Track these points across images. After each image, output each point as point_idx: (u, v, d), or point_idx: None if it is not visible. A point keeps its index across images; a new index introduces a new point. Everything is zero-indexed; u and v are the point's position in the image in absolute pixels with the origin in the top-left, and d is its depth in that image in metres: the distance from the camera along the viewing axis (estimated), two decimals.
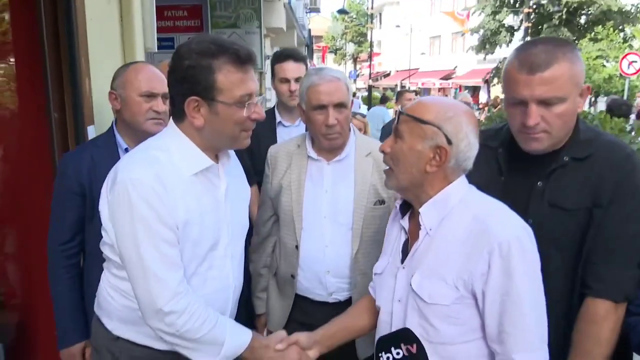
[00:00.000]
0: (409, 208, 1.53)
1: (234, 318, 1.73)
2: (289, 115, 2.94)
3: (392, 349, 1.08)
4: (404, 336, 1.11)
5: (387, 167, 1.49)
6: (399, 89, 43.01)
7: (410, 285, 1.41)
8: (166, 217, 1.43)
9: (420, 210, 1.44)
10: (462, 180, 1.46)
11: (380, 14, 50.16)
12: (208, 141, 1.55)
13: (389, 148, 1.45)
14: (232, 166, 1.72)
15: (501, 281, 1.30)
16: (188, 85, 1.45)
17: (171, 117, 1.58)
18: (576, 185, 1.57)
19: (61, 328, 2.04)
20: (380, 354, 1.17)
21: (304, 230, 2.08)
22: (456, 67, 36.23)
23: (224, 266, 1.65)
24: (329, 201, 2.08)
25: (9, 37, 2.44)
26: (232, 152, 1.74)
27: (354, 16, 51.36)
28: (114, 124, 2.20)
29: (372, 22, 31.92)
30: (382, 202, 2.07)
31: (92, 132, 2.57)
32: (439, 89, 36.26)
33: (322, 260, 2.07)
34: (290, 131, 2.85)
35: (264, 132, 2.68)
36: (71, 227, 2.03)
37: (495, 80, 27.34)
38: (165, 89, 2.01)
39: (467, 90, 30.29)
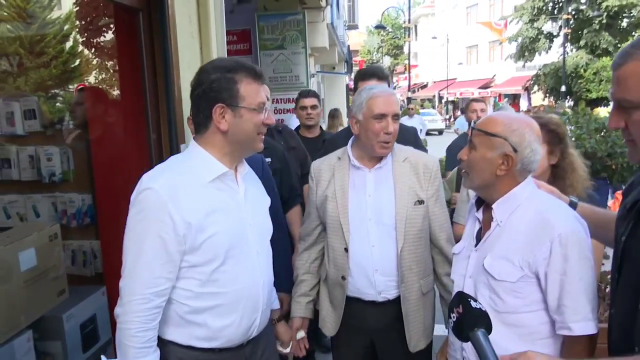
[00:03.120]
0: (482, 202, 1.83)
1: (268, 310, 1.91)
2: None
3: (451, 314, 1.36)
4: (455, 301, 1.33)
5: (464, 171, 1.79)
6: (436, 99, 43.03)
7: (483, 265, 1.70)
8: (165, 218, 1.59)
9: (493, 206, 1.73)
10: (528, 181, 1.75)
11: (415, 26, 50.32)
12: (229, 145, 1.73)
13: (465, 156, 1.75)
14: (250, 176, 1.91)
15: (560, 264, 1.57)
16: (214, 94, 1.68)
17: (192, 137, 1.80)
18: None
19: None
20: (450, 317, 1.44)
21: (351, 234, 2.22)
22: (495, 75, 35.97)
23: (252, 262, 1.80)
24: (372, 205, 2.22)
25: (117, 71, 2.88)
26: (251, 170, 1.95)
27: (390, 30, 51.68)
28: None
29: (408, 36, 32.12)
30: (421, 202, 2.23)
31: (184, 150, 2.98)
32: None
33: (370, 260, 2.20)
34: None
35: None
36: None
37: (536, 87, 27.06)
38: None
39: (506, 99, 30.05)
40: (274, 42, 8.62)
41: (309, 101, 4.27)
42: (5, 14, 3.90)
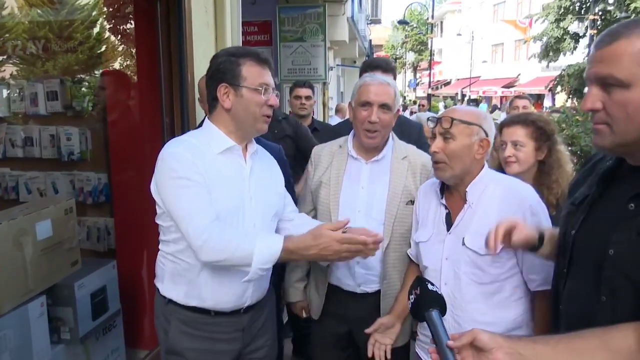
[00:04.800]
0: (443, 190, 1.99)
1: (263, 282, 2.01)
2: None
3: (410, 295, 1.39)
4: (415, 284, 1.40)
5: (440, 163, 1.88)
6: (459, 97, 42.70)
7: (464, 244, 1.84)
8: (195, 167, 1.76)
9: (467, 189, 1.88)
10: (487, 165, 1.95)
11: (441, 22, 49.86)
12: (234, 123, 1.89)
13: (439, 149, 1.87)
14: (260, 156, 2.06)
15: None
16: (220, 75, 1.85)
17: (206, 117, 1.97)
18: None
19: None
20: (409, 298, 1.46)
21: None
22: (519, 75, 35.52)
23: (247, 232, 1.89)
24: (364, 197, 2.22)
25: (135, 59, 3.04)
26: (264, 152, 2.12)
27: (415, 25, 51.29)
28: None
29: (432, 32, 31.93)
30: (413, 202, 2.19)
31: None
32: (501, 97, 35.71)
33: None
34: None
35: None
36: None
37: (559, 88, 26.70)
38: None
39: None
40: (294, 34, 8.72)
41: (303, 91, 4.37)
42: None
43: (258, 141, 2.58)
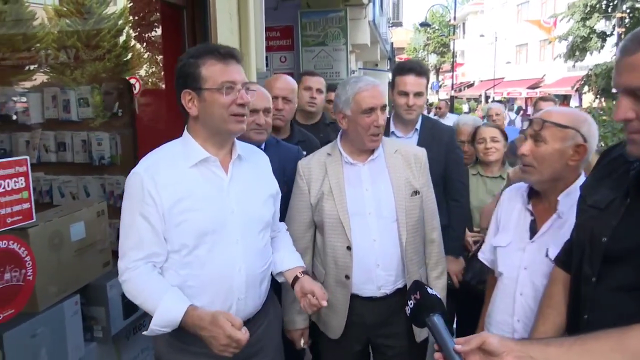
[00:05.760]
0: (531, 196, 1.88)
1: (250, 300, 1.84)
2: (403, 127, 2.99)
3: (408, 301, 1.33)
4: (412, 288, 1.35)
5: (528, 166, 1.80)
6: (482, 99, 42.28)
7: (548, 256, 1.74)
8: (146, 199, 1.67)
9: (559, 198, 1.78)
10: (583, 173, 1.81)
11: (463, 24, 49.48)
12: (205, 130, 1.74)
13: (528, 152, 1.78)
14: (246, 164, 1.89)
15: None
16: (181, 81, 1.71)
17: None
18: None
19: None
20: (407, 304, 1.37)
21: (352, 230, 2.16)
22: (544, 75, 34.99)
23: (230, 249, 1.77)
24: (371, 198, 2.19)
25: (161, 66, 3.13)
26: (253, 156, 1.96)
27: (437, 27, 50.97)
28: None
29: (454, 34, 31.76)
30: (416, 192, 2.22)
31: None
32: (526, 99, 35.21)
33: (372, 255, 2.16)
34: (402, 142, 2.68)
35: None
36: None
37: (586, 87, 26.23)
38: (266, 104, 2.43)
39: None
40: (316, 39, 8.78)
41: (314, 81, 3.52)
42: (65, 9, 4.21)
43: (277, 142, 2.61)
